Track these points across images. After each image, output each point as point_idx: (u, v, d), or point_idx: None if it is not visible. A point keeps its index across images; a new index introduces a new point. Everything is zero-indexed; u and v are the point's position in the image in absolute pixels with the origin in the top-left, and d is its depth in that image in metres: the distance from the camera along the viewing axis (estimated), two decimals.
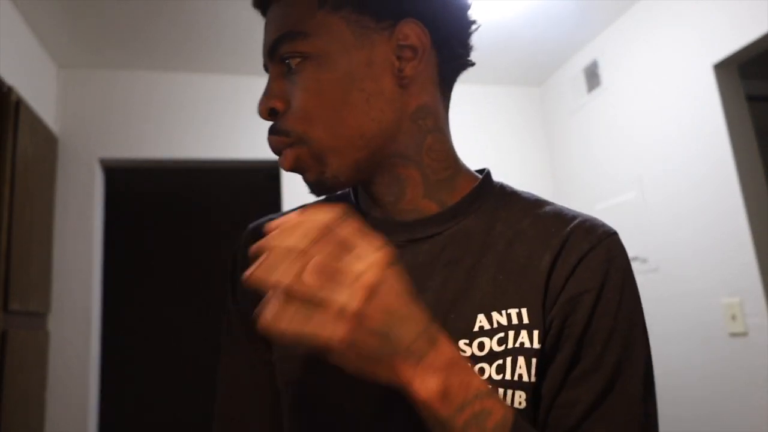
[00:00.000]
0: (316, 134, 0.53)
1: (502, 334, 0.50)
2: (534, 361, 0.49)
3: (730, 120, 2.00)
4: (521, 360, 0.49)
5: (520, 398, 0.49)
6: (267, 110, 0.54)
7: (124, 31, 2.36)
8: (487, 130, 3.05)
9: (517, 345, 0.50)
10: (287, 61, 0.53)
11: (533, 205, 0.58)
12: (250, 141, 2.75)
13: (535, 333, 0.50)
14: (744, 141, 2.00)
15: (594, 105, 2.71)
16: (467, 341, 0.50)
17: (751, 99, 2.13)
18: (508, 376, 0.49)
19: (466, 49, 0.59)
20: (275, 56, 0.54)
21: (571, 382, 0.50)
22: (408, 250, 0.55)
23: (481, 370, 0.49)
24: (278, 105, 0.54)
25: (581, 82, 2.79)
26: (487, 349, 0.50)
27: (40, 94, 2.37)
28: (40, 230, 2.22)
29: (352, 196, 0.63)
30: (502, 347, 0.50)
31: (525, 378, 0.49)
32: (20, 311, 2.00)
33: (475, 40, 0.60)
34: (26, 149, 2.08)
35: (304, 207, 0.67)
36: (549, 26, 2.53)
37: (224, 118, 2.75)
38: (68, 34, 2.35)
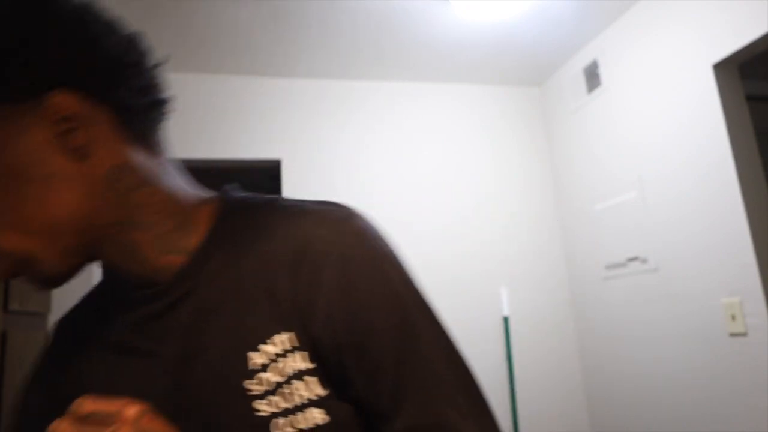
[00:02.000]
0: (8, 242, 0.48)
1: (276, 364, 0.50)
2: (315, 379, 0.50)
3: (729, 120, 2.00)
4: (300, 384, 0.49)
5: (320, 413, 0.49)
6: None
7: None
8: (487, 130, 3.05)
9: (295, 371, 0.50)
10: None
11: (265, 216, 0.56)
12: (250, 141, 2.76)
13: (306, 354, 0.50)
14: (744, 141, 2.00)
15: (594, 105, 2.71)
16: (249, 380, 0.50)
17: (751, 99, 2.13)
18: (297, 401, 0.49)
19: (149, 91, 0.55)
20: None
21: (370, 400, 0.50)
22: (171, 317, 0.53)
23: (271, 403, 0.49)
24: None
25: (581, 82, 2.79)
26: (269, 383, 0.49)
27: None
28: None
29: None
30: (281, 377, 0.49)
31: (313, 396, 0.49)
32: (20, 311, 2.00)
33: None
34: None
35: None
36: (549, 26, 2.52)
37: (224, 118, 2.75)
38: None
